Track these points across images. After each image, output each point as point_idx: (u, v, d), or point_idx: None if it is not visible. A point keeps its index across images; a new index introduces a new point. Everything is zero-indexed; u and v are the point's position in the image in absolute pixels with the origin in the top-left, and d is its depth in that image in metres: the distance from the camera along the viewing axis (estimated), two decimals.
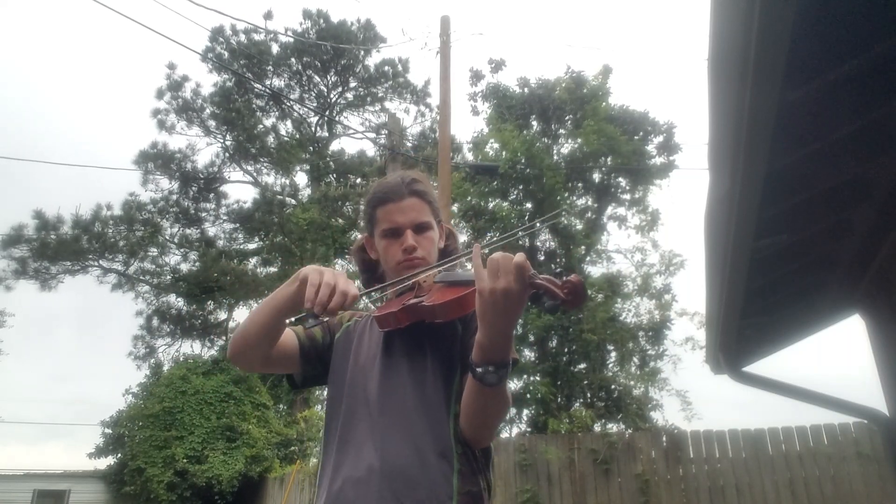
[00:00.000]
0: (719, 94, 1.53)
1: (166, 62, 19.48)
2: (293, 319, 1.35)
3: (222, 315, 20.12)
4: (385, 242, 1.47)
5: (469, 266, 1.37)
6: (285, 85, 20.82)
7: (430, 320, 1.28)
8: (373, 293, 1.48)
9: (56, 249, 17.75)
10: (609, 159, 11.84)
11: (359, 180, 19.23)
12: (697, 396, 16.72)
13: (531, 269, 1.06)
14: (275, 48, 20.11)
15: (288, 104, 20.21)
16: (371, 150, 20.39)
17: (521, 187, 11.25)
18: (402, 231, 1.44)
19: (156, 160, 19.16)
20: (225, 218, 20.47)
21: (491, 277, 1.06)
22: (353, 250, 1.66)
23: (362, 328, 1.51)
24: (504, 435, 10.01)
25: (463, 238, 11.34)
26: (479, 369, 1.11)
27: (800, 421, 6.54)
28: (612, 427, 10.02)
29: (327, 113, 20.86)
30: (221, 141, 19.98)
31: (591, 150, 11.50)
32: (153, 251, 19.44)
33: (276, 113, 20.91)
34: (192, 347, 19.38)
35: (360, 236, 1.66)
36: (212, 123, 19.77)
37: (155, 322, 19.21)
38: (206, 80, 21.96)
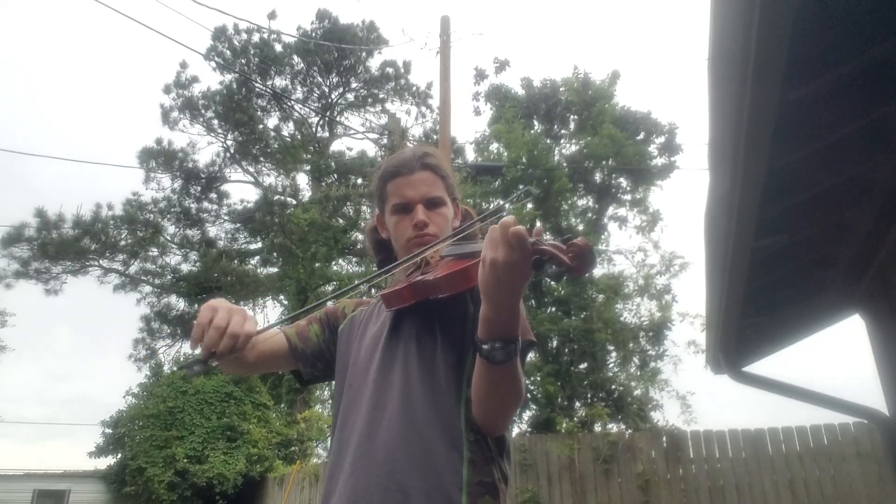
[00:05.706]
0: (719, 94, 1.53)
1: (179, 60, 19.61)
2: (175, 368, 1.17)
3: None
4: (395, 219, 1.38)
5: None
6: (287, 85, 20.86)
7: (434, 296, 1.19)
8: (377, 279, 1.37)
9: (57, 249, 17.75)
10: (610, 160, 11.85)
11: (360, 181, 19.24)
12: (698, 397, 16.72)
13: (531, 236, 0.96)
14: (278, 48, 20.15)
15: (289, 104, 20.22)
16: (372, 151, 20.44)
17: (521, 187, 11.24)
18: (412, 206, 1.35)
19: (158, 157, 19.19)
20: (226, 218, 20.50)
21: (490, 248, 0.96)
22: (366, 231, 1.58)
23: (368, 314, 1.42)
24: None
25: None
26: (485, 346, 1.02)
27: (800, 421, 6.56)
28: (613, 427, 10.02)
29: (328, 113, 20.87)
30: (223, 141, 20.02)
31: (597, 152, 11.50)
32: (154, 251, 19.47)
33: (278, 113, 20.93)
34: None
35: (361, 237, 1.59)
36: (214, 122, 19.82)
37: (156, 324, 19.20)
38: (209, 80, 22.03)
